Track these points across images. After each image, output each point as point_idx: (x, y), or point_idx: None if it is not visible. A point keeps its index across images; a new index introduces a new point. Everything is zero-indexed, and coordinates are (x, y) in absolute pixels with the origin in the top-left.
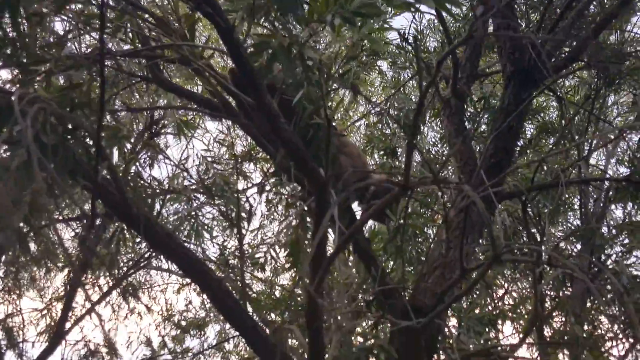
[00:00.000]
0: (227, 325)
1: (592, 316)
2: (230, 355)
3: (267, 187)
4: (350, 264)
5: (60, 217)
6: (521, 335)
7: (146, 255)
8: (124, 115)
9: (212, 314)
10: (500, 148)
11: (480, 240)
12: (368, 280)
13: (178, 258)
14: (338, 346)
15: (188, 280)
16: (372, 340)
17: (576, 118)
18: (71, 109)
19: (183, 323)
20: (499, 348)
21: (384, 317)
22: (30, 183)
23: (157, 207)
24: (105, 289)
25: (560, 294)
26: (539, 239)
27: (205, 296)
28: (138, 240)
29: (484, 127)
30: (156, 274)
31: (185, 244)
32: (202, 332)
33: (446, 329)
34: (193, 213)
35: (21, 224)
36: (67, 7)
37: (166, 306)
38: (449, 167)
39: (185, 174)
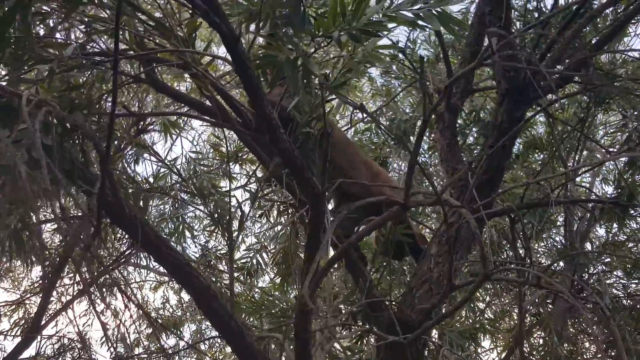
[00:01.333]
0: (203, 326)
1: (573, 335)
2: (205, 356)
3: (259, 194)
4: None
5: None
6: (500, 350)
7: (126, 253)
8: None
9: (188, 313)
10: (493, 165)
11: (468, 257)
12: (356, 292)
13: (166, 260)
14: (325, 358)
15: (165, 278)
16: (359, 354)
17: (564, 135)
18: (70, 111)
19: (159, 321)
20: None
21: (370, 330)
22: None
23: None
24: (82, 284)
25: (542, 311)
26: (524, 256)
27: (182, 295)
28: (120, 236)
29: (471, 139)
30: (134, 270)
31: (172, 245)
32: (178, 331)
33: (431, 345)
34: (178, 214)
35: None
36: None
37: (143, 303)
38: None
39: (171, 173)
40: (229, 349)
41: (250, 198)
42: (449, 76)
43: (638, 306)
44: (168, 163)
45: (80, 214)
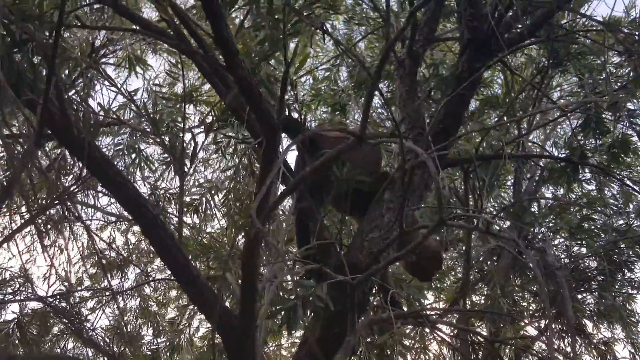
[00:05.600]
0: (149, 269)
1: (515, 291)
2: (149, 299)
3: (215, 127)
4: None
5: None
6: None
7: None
8: (76, 38)
9: (134, 256)
10: (449, 114)
11: (421, 204)
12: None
13: (116, 187)
14: (272, 294)
15: (112, 219)
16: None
17: (521, 95)
18: (22, 22)
19: (103, 262)
20: (430, 313)
21: (318, 268)
22: None
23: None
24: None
25: (486, 267)
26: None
27: (129, 237)
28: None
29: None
30: (80, 209)
31: (122, 172)
32: (123, 273)
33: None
34: (135, 145)
35: None
36: None
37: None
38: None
39: (129, 105)
40: (173, 293)
41: (204, 130)
42: (411, 22)
43: (580, 267)
44: (126, 93)
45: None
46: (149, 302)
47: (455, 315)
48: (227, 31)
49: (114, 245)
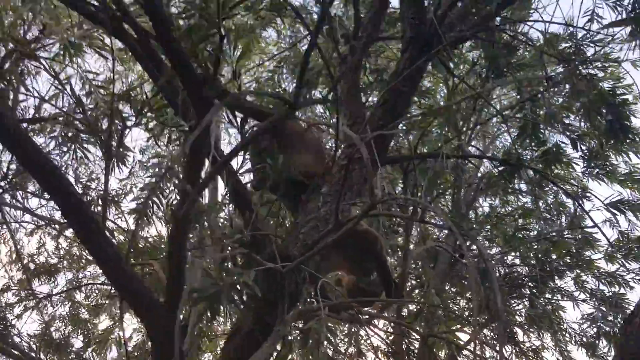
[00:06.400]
0: (80, 275)
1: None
2: (80, 306)
3: (146, 110)
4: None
5: None
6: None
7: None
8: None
9: (65, 262)
10: (389, 112)
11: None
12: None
13: (32, 161)
14: (198, 278)
15: (42, 222)
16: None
17: (462, 105)
18: None
19: (32, 266)
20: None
21: (247, 255)
22: None
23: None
24: None
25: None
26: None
27: (60, 241)
28: None
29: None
30: (9, 211)
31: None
32: (52, 278)
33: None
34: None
35: None
36: None
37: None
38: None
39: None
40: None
41: (134, 112)
42: (355, 18)
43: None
44: (60, 81)
45: None
46: (80, 309)
47: (390, 310)
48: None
49: (42, 250)
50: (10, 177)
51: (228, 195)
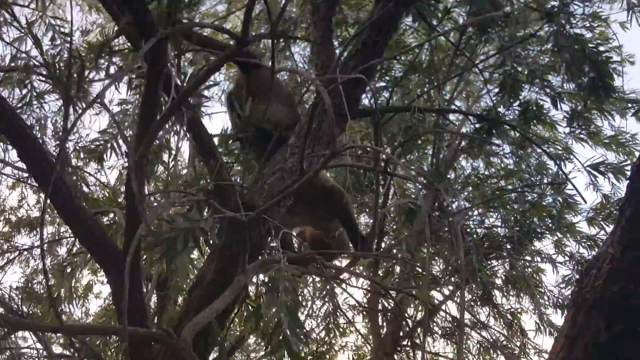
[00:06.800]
0: (63, 229)
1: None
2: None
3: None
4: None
5: None
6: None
7: None
8: None
9: (47, 215)
10: (362, 64)
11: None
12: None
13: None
14: (152, 221)
15: (25, 175)
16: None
17: (445, 61)
18: None
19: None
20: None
21: (207, 202)
22: None
23: None
24: None
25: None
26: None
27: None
28: None
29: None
30: None
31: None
32: (34, 232)
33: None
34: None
35: None
36: None
37: None
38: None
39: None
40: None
41: (95, 52)
42: None
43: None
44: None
45: None
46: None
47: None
48: None
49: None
50: None
51: (192, 142)
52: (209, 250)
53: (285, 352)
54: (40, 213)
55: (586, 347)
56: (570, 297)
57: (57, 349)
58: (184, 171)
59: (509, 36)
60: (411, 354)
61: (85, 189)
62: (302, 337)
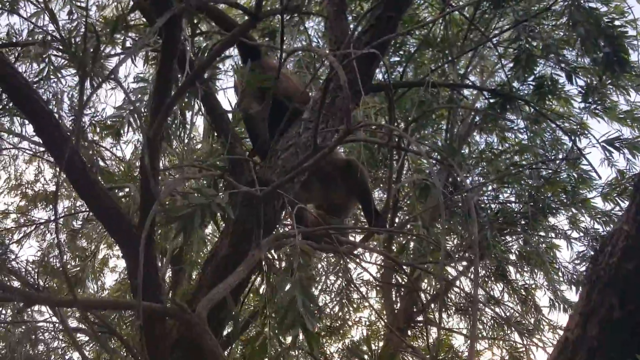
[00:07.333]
0: (79, 203)
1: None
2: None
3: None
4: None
5: None
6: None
7: None
8: None
9: (63, 189)
10: (376, 39)
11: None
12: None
13: (11, 89)
14: (166, 197)
15: (42, 149)
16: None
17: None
18: None
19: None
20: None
21: (222, 176)
22: None
23: None
24: None
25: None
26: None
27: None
28: None
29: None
30: (7, 137)
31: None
32: (50, 206)
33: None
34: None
35: None
36: None
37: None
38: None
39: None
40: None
41: (111, 27)
42: None
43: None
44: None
45: None
46: (78, 237)
47: (375, 241)
48: None
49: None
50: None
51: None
52: (223, 225)
53: (300, 331)
54: (55, 187)
55: (600, 324)
56: (584, 273)
57: (72, 323)
58: (199, 146)
59: (524, 10)
60: (424, 330)
61: (101, 163)
62: (316, 313)
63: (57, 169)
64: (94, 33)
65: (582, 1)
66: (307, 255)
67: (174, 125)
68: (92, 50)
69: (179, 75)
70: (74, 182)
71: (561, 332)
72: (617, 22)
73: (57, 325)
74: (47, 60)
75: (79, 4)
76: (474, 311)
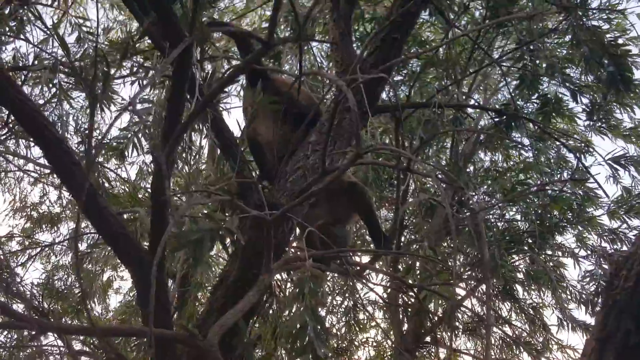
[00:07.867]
0: (84, 224)
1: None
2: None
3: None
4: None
5: None
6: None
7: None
8: None
9: (67, 211)
10: (381, 61)
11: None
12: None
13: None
14: (178, 223)
15: (47, 171)
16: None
17: (462, 56)
18: None
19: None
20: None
21: (232, 201)
22: None
23: None
24: None
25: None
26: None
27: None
28: None
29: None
30: (12, 160)
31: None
32: (55, 228)
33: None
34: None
35: None
36: None
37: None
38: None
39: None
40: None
41: (120, 56)
42: None
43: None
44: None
45: None
46: (83, 259)
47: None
48: None
49: (45, 199)
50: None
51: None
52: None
53: (310, 357)
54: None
55: (617, 350)
56: (598, 296)
57: (76, 345)
58: (203, 166)
59: (526, 30)
60: (433, 351)
61: (105, 184)
62: (325, 338)
63: (64, 191)
64: (103, 59)
65: (584, 20)
66: (318, 279)
67: (179, 148)
68: (101, 75)
69: (189, 98)
70: (86, 210)
71: (570, 352)
72: (620, 41)
73: (62, 349)
74: (57, 84)
75: (85, 28)
76: (487, 334)
